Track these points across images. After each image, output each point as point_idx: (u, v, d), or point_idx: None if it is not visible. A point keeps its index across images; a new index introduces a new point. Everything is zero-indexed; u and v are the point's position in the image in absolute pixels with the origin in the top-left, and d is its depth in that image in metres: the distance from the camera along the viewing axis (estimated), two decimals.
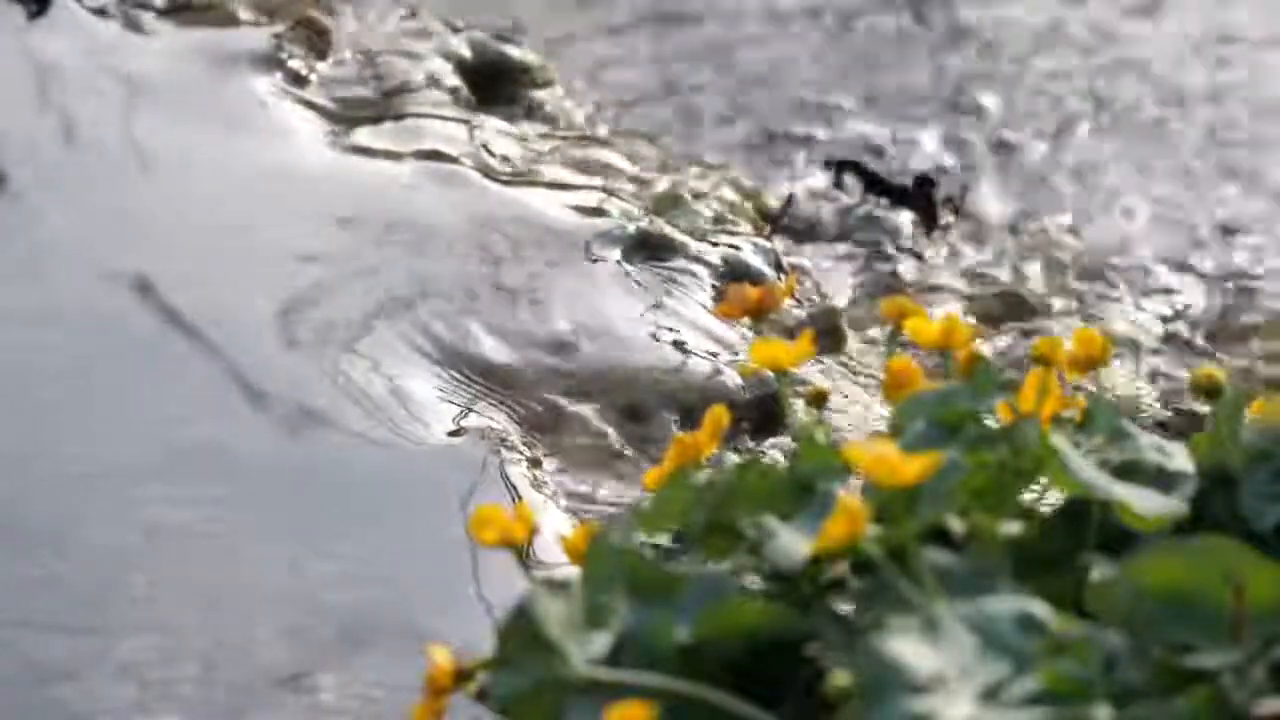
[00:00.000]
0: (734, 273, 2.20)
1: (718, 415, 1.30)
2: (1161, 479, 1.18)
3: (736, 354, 2.02)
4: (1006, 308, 2.35)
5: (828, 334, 2.15)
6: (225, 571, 1.65)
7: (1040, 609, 1.02)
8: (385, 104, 2.53)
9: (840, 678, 1.01)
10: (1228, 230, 2.68)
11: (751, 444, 1.90)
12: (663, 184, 2.46)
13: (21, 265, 2.08)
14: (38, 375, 1.90)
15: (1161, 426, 2.00)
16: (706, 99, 3.09)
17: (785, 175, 2.82)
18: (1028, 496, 1.22)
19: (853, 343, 2.20)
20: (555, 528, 1.67)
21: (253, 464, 1.79)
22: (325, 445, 1.84)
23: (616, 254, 2.19)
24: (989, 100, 3.07)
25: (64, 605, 1.60)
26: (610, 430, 1.91)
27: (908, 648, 0.98)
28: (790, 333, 2.11)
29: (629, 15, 3.36)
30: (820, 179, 2.77)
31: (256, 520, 1.72)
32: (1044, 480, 1.21)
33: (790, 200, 2.56)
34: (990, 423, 1.23)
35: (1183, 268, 2.55)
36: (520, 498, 1.76)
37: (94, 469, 1.77)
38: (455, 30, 2.77)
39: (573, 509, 1.79)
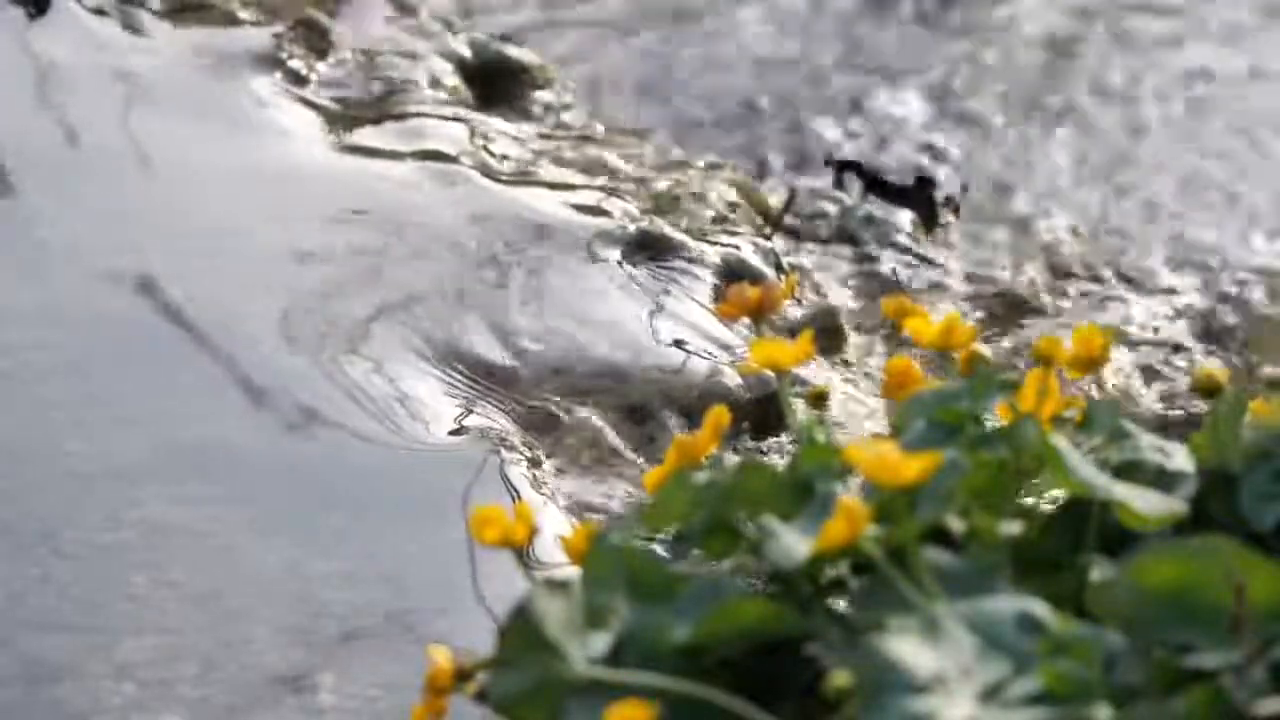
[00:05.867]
0: (734, 273, 2.20)
1: (718, 415, 1.30)
2: (1161, 479, 1.18)
3: (736, 354, 2.02)
4: (1006, 308, 2.35)
5: (828, 334, 2.15)
6: (225, 571, 1.65)
7: (1040, 609, 1.02)
8: (385, 104, 2.53)
9: (840, 678, 1.01)
10: (1229, 229, 2.68)
11: (751, 444, 1.90)
12: (663, 184, 2.46)
13: (21, 265, 2.08)
14: (38, 375, 1.90)
15: (1161, 427, 2.00)
16: (707, 99, 3.09)
17: (785, 175, 2.82)
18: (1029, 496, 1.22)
19: (853, 343, 2.20)
20: (555, 528, 1.67)
21: (252, 463, 1.79)
22: (325, 445, 1.84)
23: (616, 254, 2.19)
24: (990, 100, 3.07)
25: (64, 605, 1.60)
26: (610, 430, 1.91)
27: (908, 648, 0.98)
28: (790, 333, 2.11)
29: (631, 15, 3.36)
30: (820, 179, 2.77)
31: (256, 520, 1.71)
32: (1044, 480, 1.21)
33: (791, 200, 2.56)
34: (990, 423, 1.23)
35: (1183, 268, 2.55)
36: (520, 498, 1.76)
37: (93, 468, 1.77)
38: (455, 30, 2.77)
39: (573, 509, 1.79)
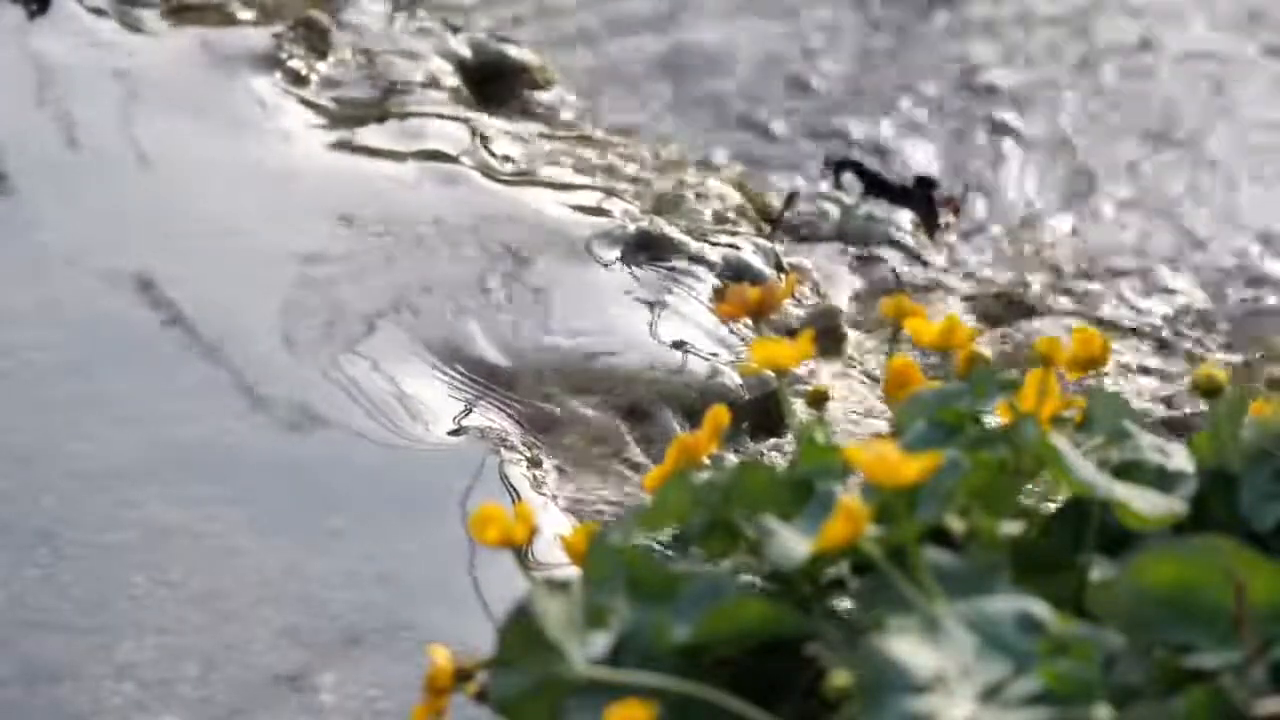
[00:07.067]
0: (734, 273, 2.20)
1: (718, 415, 1.30)
2: (1161, 479, 1.18)
3: (736, 354, 2.02)
4: (1006, 308, 2.35)
5: (828, 334, 2.15)
6: (225, 571, 1.65)
7: (1040, 609, 1.02)
8: (385, 104, 2.53)
9: (840, 678, 1.01)
10: (1228, 230, 2.68)
11: (751, 444, 1.90)
12: (663, 184, 2.46)
13: (21, 265, 2.08)
14: (38, 375, 1.90)
15: (1162, 426, 2.00)
16: (707, 99, 3.09)
17: (785, 175, 2.82)
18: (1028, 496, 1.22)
19: (853, 343, 2.20)
20: (555, 528, 1.67)
21: (252, 463, 1.79)
22: (325, 444, 1.84)
23: (616, 254, 2.19)
24: (989, 100, 3.07)
25: (64, 605, 1.60)
26: (610, 430, 1.91)
27: (908, 648, 0.98)
28: (790, 333, 2.11)
29: (629, 15, 3.36)
30: (820, 179, 2.77)
31: (256, 520, 1.72)
32: (1044, 480, 1.21)
33: (791, 200, 2.56)
34: (990, 423, 1.23)
35: (1183, 268, 2.55)
36: (520, 498, 1.76)
37: (93, 468, 1.77)
38: (455, 30, 2.77)
39: (573, 509, 1.79)
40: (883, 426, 1.94)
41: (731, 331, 2.07)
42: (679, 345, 2.03)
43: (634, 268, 2.18)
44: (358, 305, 2.04)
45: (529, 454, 1.85)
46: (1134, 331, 2.31)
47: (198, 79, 2.51)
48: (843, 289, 2.38)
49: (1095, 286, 2.45)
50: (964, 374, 1.30)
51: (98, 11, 2.64)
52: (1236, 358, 2.25)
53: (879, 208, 2.59)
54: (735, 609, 1.09)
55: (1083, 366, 1.29)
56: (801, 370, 2.03)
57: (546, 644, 1.08)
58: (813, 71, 3.18)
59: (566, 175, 2.42)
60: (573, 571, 1.20)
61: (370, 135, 2.43)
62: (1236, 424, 1.19)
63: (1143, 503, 1.14)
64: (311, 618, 1.60)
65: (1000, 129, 2.99)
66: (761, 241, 2.32)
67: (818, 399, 1.37)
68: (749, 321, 1.38)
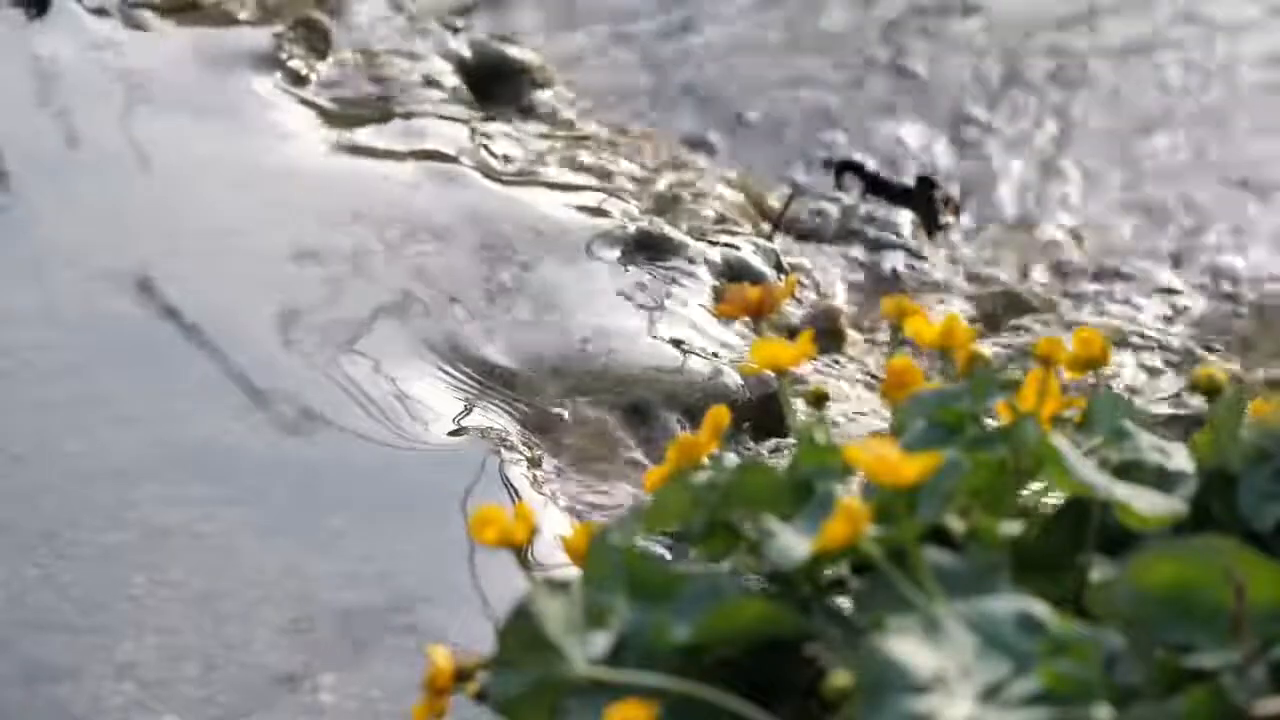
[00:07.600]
0: (734, 273, 2.20)
1: (718, 415, 1.30)
2: (1161, 479, 1.18)
3: (736, 354, 2.02)
4: (1006, 308, 2.35)
5: (828, 334, 2.15)
6: (225, 571, 1.65)
7: (1040, 609, 1.02)
8: (385, 104, 2.53)
9: (840, 678, 1.01)
10: (1229, 230, 2.68)
11: (752, 444, 1.90)
12: (663, 184, 2.45)
13: (21, 265, 2.08)
14: (38, 375, 1.90)
15: (1162, 426, 2.00)
16: (707, 99, 3.09)
17: (785, 175, 2.82)
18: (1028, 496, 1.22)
19: (853, 343, 2.20)
20: (555, 528, 1.67)
21: (252, 463, 1.79)
22: (325, 445, 1.84)
23: (616, 254, 2.19)
24: (990, 100, 3.07)
25: (64, 605, 1.60)
26: (611, 430, 1.91)
27: (908, 648, 0.98)
28: (790, 333, 2.11)
29: (629, 14, 3.36)
30: (820, 179, 2.77)
31: (256, 520, 1.72)
32: (1044, 480, 1.21)
33: (791, 200, 2.56)
34: (990, 423, 1.23)
35: (1183, 268, 2.55)
36: (520, 498, 1.76)
37: (93, 468, 1.77)
38: (455, 30, 2.77)
39: (573, 509, 1.79)
40: (882, 426, 1.94)
41: (733, 331, 2.07)
42: (679, 345, 2.03)
43: (634, 268, 2.18)
44: (358, 305, 2.04)
45: (529, 454, 1.85)
46: (1133, 331, 2.31)
47: (198, 79, 2.51)
48: (842, 289, 2.38)
49: (1095, 286, 2.45)
50: (964, 374, 1.30)
51: (98, 11, 2.64)
52: (1236, 358, 2.25)
53: (879, 208, 2.59)
54: (735, 609, 1.09)
55: (1083, 366, 1.29)
56: (802, 370, 2.03)
57: (546, 644, 1.08)
58: (813, 72, 3.18)
59: (566, 175, 2.42)
60: (573, 571, 1.20)
61: (370, 135, 2.43)
62: (1236, 424, 1.19)
63: (1143, 503, 1.14)
64: (311, 618, 1.60)
65: (1000, 129, 2.99)
66: (761, 241, 2.32)
67: (818, 399, 1.37)
68: (749, 321, 1.38)
